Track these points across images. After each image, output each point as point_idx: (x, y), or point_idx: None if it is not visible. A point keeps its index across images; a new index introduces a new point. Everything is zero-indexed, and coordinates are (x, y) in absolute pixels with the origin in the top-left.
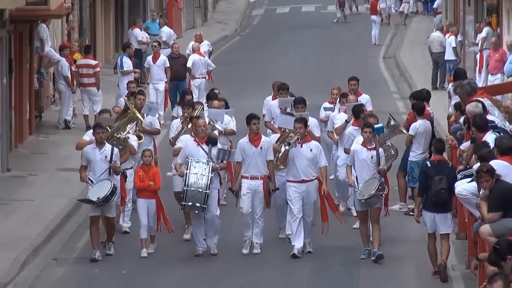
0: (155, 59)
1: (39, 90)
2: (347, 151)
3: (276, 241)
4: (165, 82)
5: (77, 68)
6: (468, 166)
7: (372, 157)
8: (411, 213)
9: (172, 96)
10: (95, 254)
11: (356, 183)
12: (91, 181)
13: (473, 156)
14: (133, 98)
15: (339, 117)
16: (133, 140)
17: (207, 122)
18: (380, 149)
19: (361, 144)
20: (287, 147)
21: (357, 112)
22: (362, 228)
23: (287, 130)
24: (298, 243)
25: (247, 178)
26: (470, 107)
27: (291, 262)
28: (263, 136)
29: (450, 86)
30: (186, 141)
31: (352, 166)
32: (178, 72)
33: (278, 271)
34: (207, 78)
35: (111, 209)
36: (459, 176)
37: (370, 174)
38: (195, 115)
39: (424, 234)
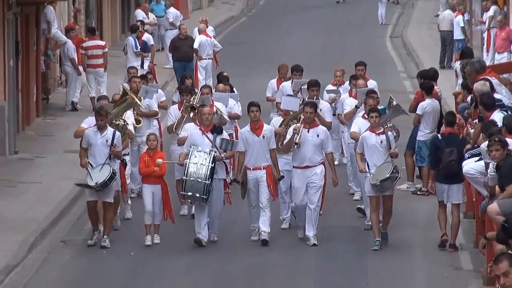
0: (139, 39)
1: (46, 72)
2: (354, 136)
3: (281, 229)
4: (150, 61)
5: (85, 50)
6: (475, 145)
7: (381, 141)
8: (418, 193)
9: (179, 77)
10: (92, 238)
11: (367, 169)
12: (91, 165)
13: (481, 135)
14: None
15: (348, 102)
16: (130, 125)
17: (215, 109)
18: (389, 133)
19: (369, 130)
20: (295, 146)
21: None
22: (373, 215)
23: (291, 112)
24: (310, 232)
25: (249, 169)
26: (478, 85)
27: (298, 247)
28: (264, 124)
29: (457, 65)
30: (191, 130)
31: (362, 153)
32: (186, 53)
33: (285, 256)
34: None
35: (109, 194)
36: (466, 155)
37: (381, 159)
38: (194, 103)
39: (432, 213)
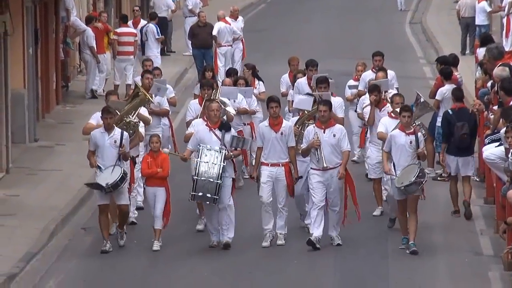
0: (135, 25)
1: (65, 60)
2: (381, 136)
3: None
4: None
5: (117, 36)
6: (495, 131)
7: (411, 142)
8: (439, 178)
9: (198, 64)
10: (105, 246)
11: (393, 170)
12: (99, 168)
13: (501, 120)
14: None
15: (366, 110)
16: (140, 127)
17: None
18: (419, 133)
19: (399, 129)
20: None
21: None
22: (401, 217)
23: (306, 112)
24: (316, 232)
25: (267, 165)
26: (497, 71)
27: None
28: (284, 121)
29: (478, 50)
30: (198, 126)
31: (390, 152)
32: (205, 40)
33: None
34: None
35: (123, 196)
36: (486, 140)
37: (409, 160)
38: (217, 97)
39: (450, 201)
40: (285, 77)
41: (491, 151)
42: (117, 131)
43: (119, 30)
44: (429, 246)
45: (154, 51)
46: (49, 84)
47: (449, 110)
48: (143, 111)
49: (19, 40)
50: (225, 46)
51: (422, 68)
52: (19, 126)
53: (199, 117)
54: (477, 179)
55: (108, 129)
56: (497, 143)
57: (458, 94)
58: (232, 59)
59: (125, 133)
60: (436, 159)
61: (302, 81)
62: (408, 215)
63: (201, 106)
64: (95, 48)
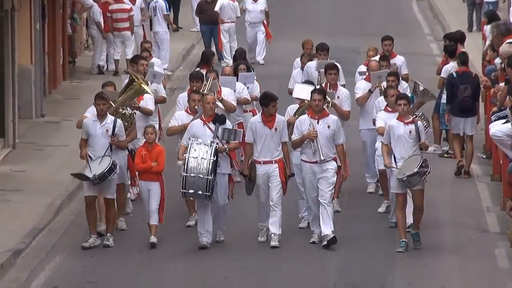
0: (133, 0)
1: (72, 35)
2: (382, 131)
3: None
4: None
5: (110, 14)
6: (502, 108)
7: (410, 132)
8: (445, 155)
9: (206, 41)
10: (88, 240)
11: (394, 163)
12: (90, 158)
13: (507, 97)
14: (133, 65)
15: (360, 85)
16: (149, 99)
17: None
18: (419, 122)
19: (397, 119)
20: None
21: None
22: (399, 214)
23: (305, 101)
24: (317, 229)
25: (259, 163)
26: (505, 47)
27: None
28: (277, 115)
29: (486, 28)
30: (182, 119)
31: (389, 144)
32: (212, 16)
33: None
34: (265, 36)
35: (110, 189)
36: (493, 117)
37: (410, 151)
38: (205, 91)
39: (456, 178)
40: (298, 61)
41: (498, 128)
42: (109, 119)
43: (111, 7)
44: (435, 223)
45: (163, 26)
46: (56, 59)
47: (454, 73)
48: (147, 100)
49: (26, 15)
50: (228, 22)
51: (429, 44)
52: (26, 102)
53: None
54: (484, 156)
55: (101, 115)
56: (504, 120)
57: (463, 58)
58: (254, 42)
59: (119, 121)
60: (443, 135)
61: (312, 64)
62: (414, 211)
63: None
64: (102, 24)
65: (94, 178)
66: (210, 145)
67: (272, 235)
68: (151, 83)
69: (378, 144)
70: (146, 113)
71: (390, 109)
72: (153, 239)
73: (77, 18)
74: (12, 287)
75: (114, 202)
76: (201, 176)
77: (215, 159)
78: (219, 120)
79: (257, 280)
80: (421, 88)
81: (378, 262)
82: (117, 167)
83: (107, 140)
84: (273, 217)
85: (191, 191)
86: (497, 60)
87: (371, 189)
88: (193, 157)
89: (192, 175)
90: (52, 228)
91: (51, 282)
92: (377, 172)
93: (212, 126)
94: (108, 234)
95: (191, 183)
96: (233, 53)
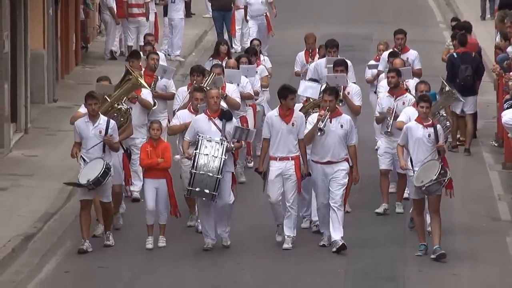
0: None
1: (85, 21)
2: (400, 126)
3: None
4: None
5: None
6: None
7: (429, 135)
8: (457, 143)
9: (218, 27)
10: (83, 245)
11: (410, 165)
12: (84, 160)
13: None
14: (132, 60)
15: (384, 84)
16: (148, 94)
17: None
18: (438, 126)
19: (416, 120)
20: (318, 133)
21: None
22: (417, 219)
23: (311, 100)
24: (327, 231)
25: (275, 159)
26: None
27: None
28: (295, 110)
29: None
30: (184, 118)
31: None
32: (224, 2)
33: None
34: (268, 30)
35: (105, 193)
36: (505, 105)
37: (427, 154)
38: (205, 85)
39: (468, 165)
40: (301, 55)
41: (510, 115)
42: (102, 119)
43: None
44: (446, 212)
45: (180, 13)
46: (68, 44)
47: (454, 54)
48: (146, 94)
49: (39, 0)
50: (242, 8)
51: (442, 32)
52: (38, 87)
53: (187, 107)
54: (496, 144)
55: (93, 116)
56: None
57: (462, 39)
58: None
59: (112, 121)
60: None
61: (322, 62)
62: (430, 216)
63: (189, 94)
64: (115, 9)
65: (89, 184)
66: (221, 143)
67: (286, 237)
68: (161, 78)
69: (379, 143)
70: (145, 105)
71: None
72: (162, 241)
73: (89, 3)
74: (24, 272)
75: (111, 205)
76: (211, 174)
77: (226, 157)
78: (225, 116)
79: (267, 265)
80: (447, 88)
81: (389, 250)
82: (111, 170)
83: (101, 141)
84: (288, 218)
85: (197, 189)
86: (510, 49)
87: (392, 189)
88: (204, 154)
89: (201, 172)
90: (63, 213)
91: (62, 267)
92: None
93: (218, 122)
94: (107, 233)
95: (199, 181)
96: (245, 39)
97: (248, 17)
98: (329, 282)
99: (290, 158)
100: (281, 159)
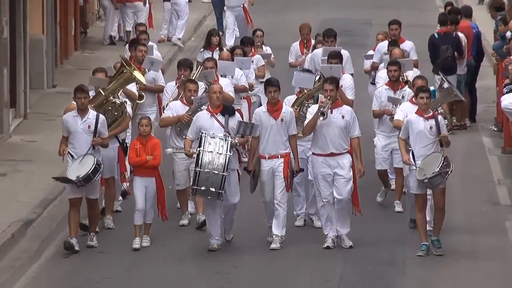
0: None
1: (84, 6)
2: (398, 124)
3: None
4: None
5: None
6: None
7: (431, 127)
8: (454, 128)
9: (217, 12)
10: (70, 240)
11: (412, 160)
12: (71, 156)
13: None
14: (133, 49)
15: (381, 74)
16: (128, 105)
17: (225, 82)
18: (440, 117)
19: (417, 113)
20: (320, 117)
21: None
22: (418, 216)
23: (305, 91)
24: (331, 233)
25: (264, 158)
26: None
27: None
28: (284, 106)
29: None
30: (177, 109)
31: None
32: None
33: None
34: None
35: (93, 190)
36: (505, 90)
37: (430, 148)
38: (194, 78)
39: (468, 149)
40: (295, 46)
41: (510, 100)
42: (91, 114)
43: None
44: (446, 196)
45: None
46: (67, 30)
47: (435, 34)
48: (130, 85)
49: None
50: None
51: None
52: (38, 72)
53: (179, 99)
54: (495, 129)
55: (82, 110)
56: None
57: (443, 19)
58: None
59: (101, 117)
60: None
61: (318, 52)
62: (435, 212)
63: (177, 88)
64: None
65: (78, 181)
66: (225, 140)
67: (274, 236)
68: (148, 71)
69: (376, 141)
70: (129, 95)
71: (415, 100)
72: (146, 241)
73: None
74: (23, 257)
75: (97, 202)
76: (216, 172)
77: (231, 154)
78: (228, 111)
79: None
80: (446, 85)
81: (389, 234)
82: (102, 166)
83: (90, 136)
84: (276, 217)
85: (203, 188)
86: (509, 33)
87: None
88: (208, 151)
89: (206, 170)
90: (63, 199)
91: (62, 252)
92: None
93: (220, 118)
94: (91, 234)
95: (204, 179)
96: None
97: (225, 8)
98: (329, 267)
99: (279, 156)
100: (271, 157)
